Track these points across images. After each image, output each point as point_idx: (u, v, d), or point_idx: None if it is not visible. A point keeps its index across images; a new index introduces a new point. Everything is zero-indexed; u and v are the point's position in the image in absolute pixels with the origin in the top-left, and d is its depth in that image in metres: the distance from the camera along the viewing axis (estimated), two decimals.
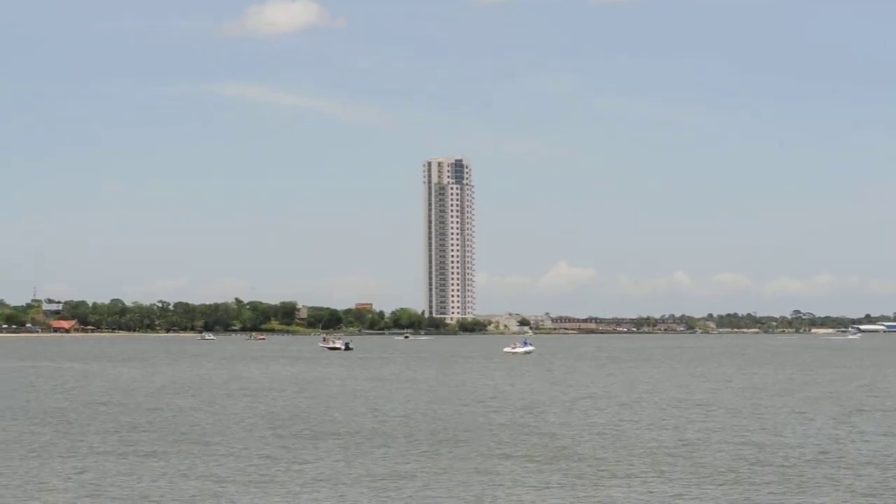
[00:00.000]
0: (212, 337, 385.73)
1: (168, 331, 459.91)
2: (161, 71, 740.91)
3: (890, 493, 35.95)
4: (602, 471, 40.62)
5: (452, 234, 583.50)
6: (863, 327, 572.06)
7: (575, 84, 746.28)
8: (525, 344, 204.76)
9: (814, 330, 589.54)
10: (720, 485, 37.63)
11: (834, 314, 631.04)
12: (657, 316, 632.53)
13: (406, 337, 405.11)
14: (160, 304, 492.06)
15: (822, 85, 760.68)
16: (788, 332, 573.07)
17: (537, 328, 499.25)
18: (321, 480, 38.88)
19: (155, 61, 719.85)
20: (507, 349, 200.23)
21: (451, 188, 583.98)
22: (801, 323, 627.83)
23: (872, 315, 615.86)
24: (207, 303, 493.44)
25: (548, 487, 37.37)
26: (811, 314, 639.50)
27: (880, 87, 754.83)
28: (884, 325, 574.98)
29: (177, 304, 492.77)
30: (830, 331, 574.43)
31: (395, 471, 40.80)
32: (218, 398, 79.68)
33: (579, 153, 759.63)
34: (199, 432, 54.73)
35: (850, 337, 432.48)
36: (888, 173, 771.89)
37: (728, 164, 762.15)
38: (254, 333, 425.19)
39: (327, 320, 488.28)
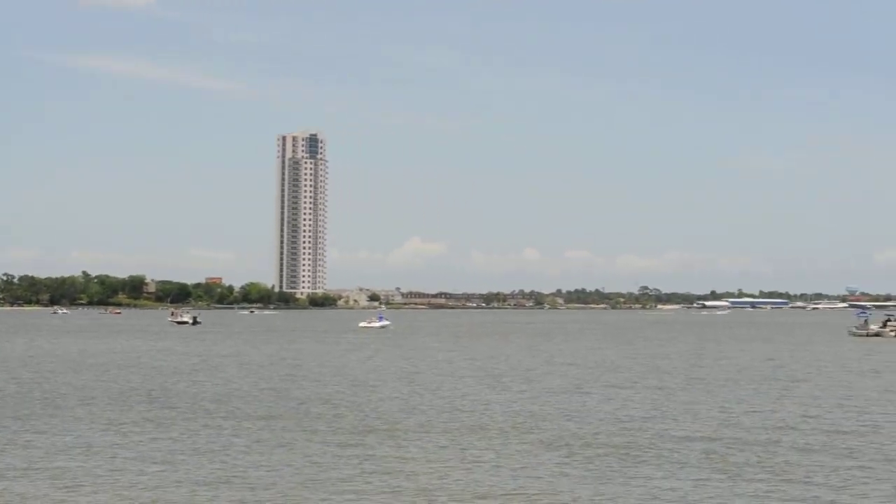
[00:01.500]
0: (65, 311, 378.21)
1: (12, 305, 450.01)
2: (15, 39, 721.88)
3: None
4: (406, 442, 41.26)
5: (305, 208, 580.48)
6: (708, 303, 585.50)
7: (433, 58, 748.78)
8: (381, 319, 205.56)
9: (660, 306, 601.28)
10: (535, 454, 38.65)
11: (680, 290, 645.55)
12: (507, 291, 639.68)
13: (251, 312, 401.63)
14: (4, 277, 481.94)
15: (667, 60, 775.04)
16: (635, 308, 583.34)
17: (387, 303, 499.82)
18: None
19: (9, 30, 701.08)
20: (362, 324, 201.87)
21: (305, 163, 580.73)
22: (647, 299, 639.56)
23: (717, 291, 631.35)
24: (54, 276, 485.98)
25: (339, 458, 37.76)
26: (658, 290, 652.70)
27: (726, 63, 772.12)
28: (728, 301, 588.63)
29: (21, 278, 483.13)
30: (676, 307, 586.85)
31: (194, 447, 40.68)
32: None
33: (434, 128, 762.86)
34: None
35: (720, 313, 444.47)
36: (736, 151, 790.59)
37: (577, 140, 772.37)
38: (109, 308, 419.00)
39: (176, 294, 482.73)
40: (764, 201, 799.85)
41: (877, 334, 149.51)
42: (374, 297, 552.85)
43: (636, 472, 34.09)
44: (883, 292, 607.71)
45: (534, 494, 30.86)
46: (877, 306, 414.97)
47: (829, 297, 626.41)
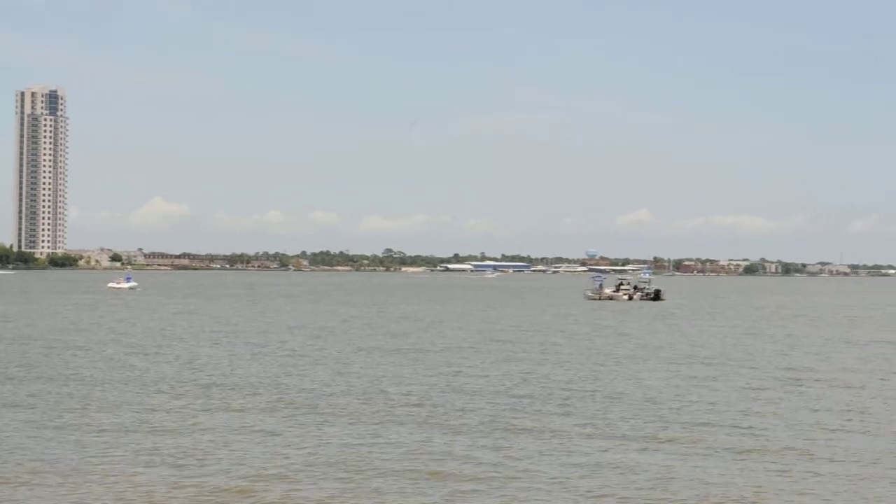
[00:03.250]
0: None
1: None
2: None
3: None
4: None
5: (44, 166, 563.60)
6: (452, 266, 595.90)
7: (177, 14, 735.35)
8: (128, 280, 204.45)
9: (405, 269, 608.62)
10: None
11: (424, 254, 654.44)
12: (251, 253, 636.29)
13: None
14: None
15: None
16: (380, 271, 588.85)
17: (130, 264, 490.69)
18: None
19: None
20: (111, 284, 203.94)
21: (45, 119, 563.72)
22: (392, 261, 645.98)
23: (461, 255, 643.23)
24: None
25: None
26: (402, 253, 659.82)
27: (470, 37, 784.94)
28: (471, 265, 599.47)
29: None
30: (421, 269, 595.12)
31: None
32: None
33: (178, 87, 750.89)
34: None
35: (489, 276, 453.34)
36: (479, 116, 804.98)
37: (318, 101, 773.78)
38: None
39: None
40: (507, 166, 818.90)
41: (610, 297, 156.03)
42: (115, 258, 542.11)
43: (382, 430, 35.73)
44: (622, 256, 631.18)
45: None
46: (616, 270, 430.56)
47: (569, 261, 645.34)
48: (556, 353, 64.51)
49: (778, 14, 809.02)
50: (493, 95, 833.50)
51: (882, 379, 51.39)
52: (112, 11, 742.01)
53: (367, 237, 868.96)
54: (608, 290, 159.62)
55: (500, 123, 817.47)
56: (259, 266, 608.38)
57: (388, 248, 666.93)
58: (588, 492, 26.09)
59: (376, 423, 35.93)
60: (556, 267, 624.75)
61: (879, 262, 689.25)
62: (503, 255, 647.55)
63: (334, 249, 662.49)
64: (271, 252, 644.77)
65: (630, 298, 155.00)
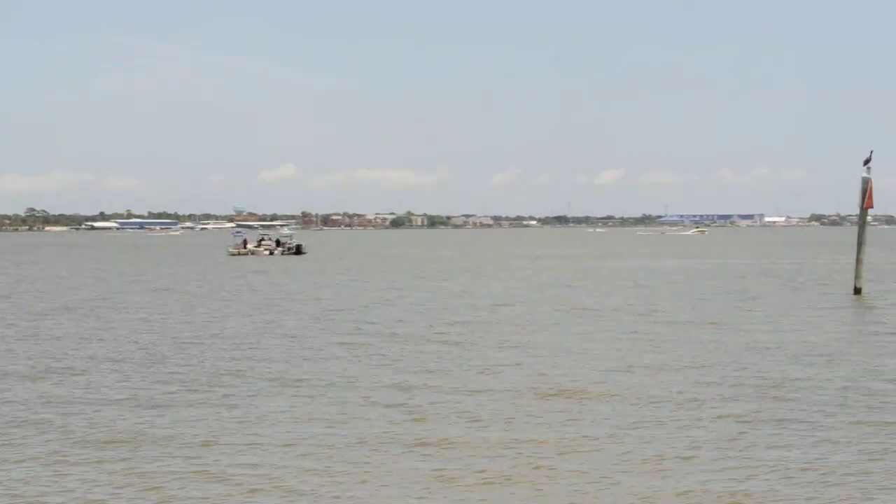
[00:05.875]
0: None
1: None
2: None
3: None
4: None
5: None
6: (97, 225, 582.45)
7: None
8: None
9: (48, 228, 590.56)
10: None
11: (68, 212, 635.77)
12: None
13: None
14: None
15: None
16: (22, 231, 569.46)
17: None
18: None
19: None
20: None
21: None
22: (35, 220, 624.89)
23: (107, 213, 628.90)
24: None
25: None
26: (45, 212, 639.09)
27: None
28: (117, 222, 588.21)
29: None
30: (65, 228, 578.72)
31: None
32: None
33: None
34: None
35: (174, 233, 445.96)
36: (109, 69, 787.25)
37: None
38: None
39: None
40: (152, 123, 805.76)
41: (252, 253, 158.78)
42: None
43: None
44: (270, 212, 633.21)
45: None
46: (264, 225, 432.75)
47: (218, 218, 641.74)
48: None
49: None
50: (132, 54, 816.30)
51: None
52: None
53: (6, 196, 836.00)
54: (251, 246, 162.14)
55: (143, 81, 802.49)
56: None
57: (31, 206, 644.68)
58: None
59: None
60: (204, 224, 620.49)
61: (521, 214, 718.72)
62: (150, 213, 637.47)
63: None
64: None
65: (271, 253, 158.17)
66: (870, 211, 71.23)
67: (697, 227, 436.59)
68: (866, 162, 69.68)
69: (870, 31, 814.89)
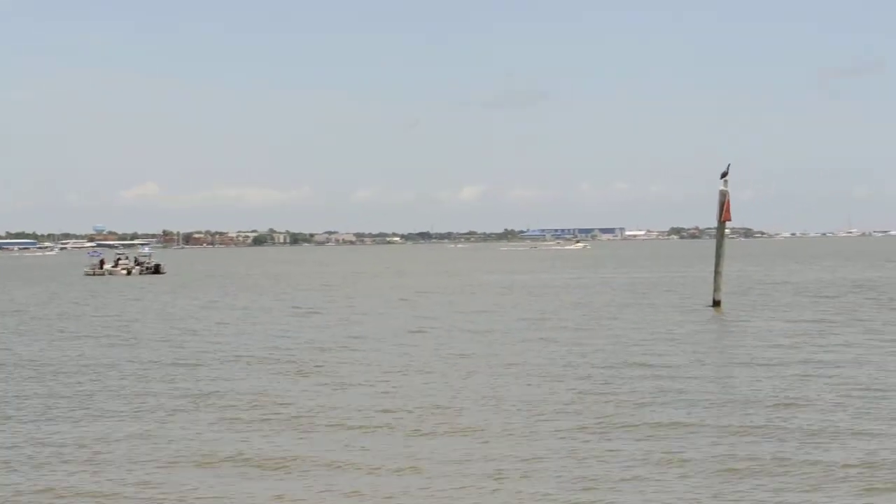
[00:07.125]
0: None
1: None
2: None
3: None
4: None
5: None
6: None
7: None
8: None
9: None
10: None
11: None
12: None
13: None
14: None
15: None
16: None
17: None
18: None
19: None
20: None
21: None
22: None
23: None
24: None
25: None
26: None
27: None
28: None
29: None
30: None
31: None
32: None
33: None
34: None
35: (49, 253, 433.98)
36: None
37: None
38: None
39: None
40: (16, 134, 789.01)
41: (110, 273, 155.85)
42: None
43: None
44: (130, 231, 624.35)
45: None
46: (124, 245, 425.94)
47: (77, 237, 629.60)
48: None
49: None
50: None
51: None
52: None
53: None
54: (108, 266, 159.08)
55: None
56: None
57: None
58: None
59: None
60: (63, 243, 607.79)
61: (384, 231, 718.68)
62: (7, 233, 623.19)
63: None
64: None
65: (129, 273, 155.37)
66: (727, 224, 72.06)
67: (577, 241, 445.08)
68: (724, 175, 70.37)
69: (731, 39, 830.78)
